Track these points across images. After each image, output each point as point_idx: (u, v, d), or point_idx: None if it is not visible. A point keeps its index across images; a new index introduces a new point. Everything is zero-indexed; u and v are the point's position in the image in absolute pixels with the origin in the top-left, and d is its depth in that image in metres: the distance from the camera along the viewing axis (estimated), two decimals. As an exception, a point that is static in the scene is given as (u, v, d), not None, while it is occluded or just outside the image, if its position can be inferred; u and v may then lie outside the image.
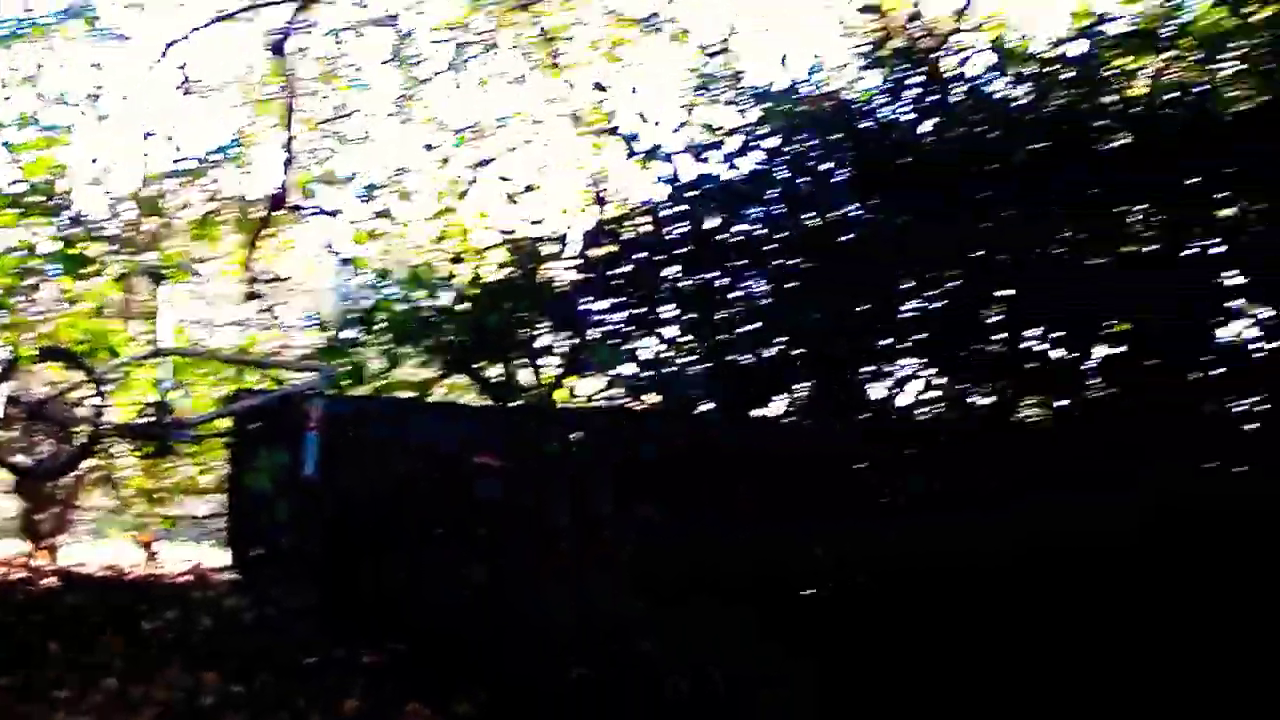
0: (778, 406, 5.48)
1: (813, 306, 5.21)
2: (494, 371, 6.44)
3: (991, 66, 5.62)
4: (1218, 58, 5.84)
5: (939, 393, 5.32)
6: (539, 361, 6.23)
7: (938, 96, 5.34)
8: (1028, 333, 5.26)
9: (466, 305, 6.44)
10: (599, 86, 7.04)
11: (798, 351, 5.42)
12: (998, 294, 5.20)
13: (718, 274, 5.49)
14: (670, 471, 5.18)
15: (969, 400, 5.26)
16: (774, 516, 4.89)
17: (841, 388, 5.23)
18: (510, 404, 6.26)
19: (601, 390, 5.93)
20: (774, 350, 5.45)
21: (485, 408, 6.51)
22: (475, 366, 6.49)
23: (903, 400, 5.22)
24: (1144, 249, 5.41)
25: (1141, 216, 5.44)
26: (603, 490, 5.33)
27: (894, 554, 4.62)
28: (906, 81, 5.42)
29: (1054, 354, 5.25)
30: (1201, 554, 4.46)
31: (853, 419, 5.14)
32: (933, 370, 5.32)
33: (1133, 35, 6.00)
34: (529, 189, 6.89)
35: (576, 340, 6.00)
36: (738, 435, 5.29)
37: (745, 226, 5.55)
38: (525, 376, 6.29)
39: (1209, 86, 5.55)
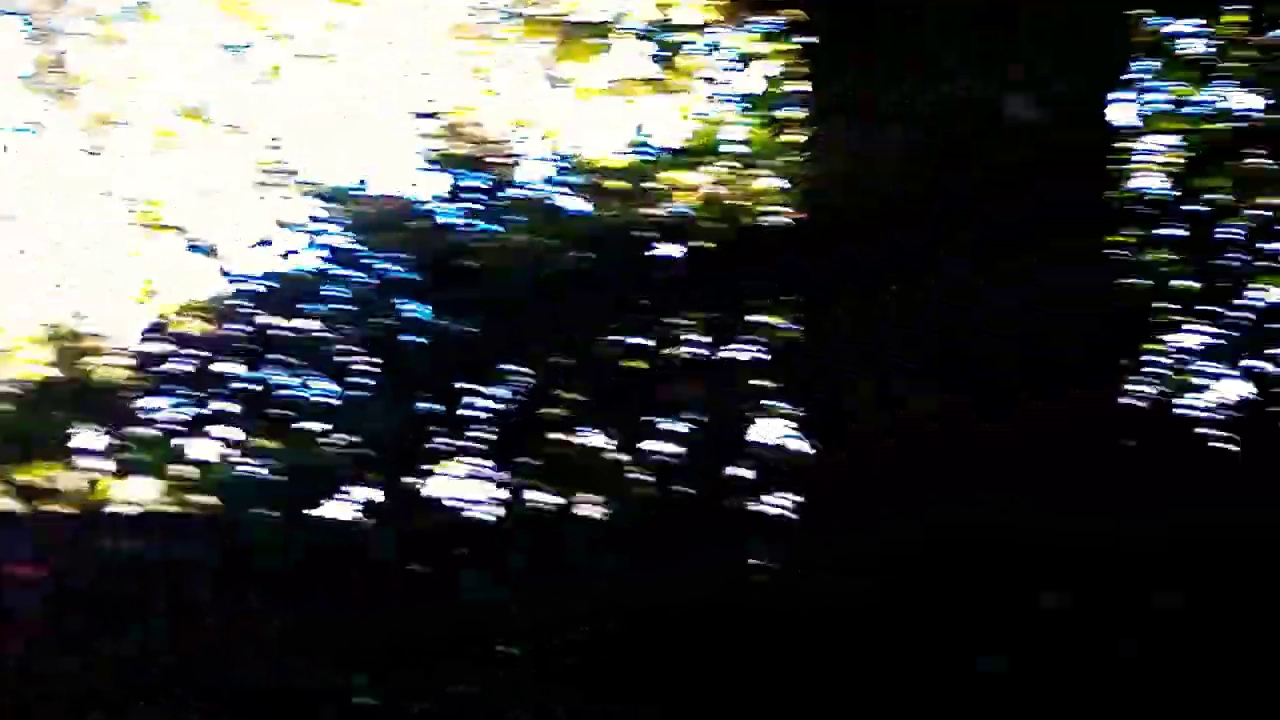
0: (345, 507, 5.44)
1: (377, 406, 5.22)
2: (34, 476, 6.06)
3: (550, 177, 5.87)
4: (760, 173, 6.38)
5: (501, 492, 5.43)
6: (86, 464, 5.92)
7: (498, 202, 5.52)
8: (585, 430, 5.47)
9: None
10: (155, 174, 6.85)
11: (363, 451, 5.40)
12: (556, 394, 5.38)
13: (280, 372, 5.42)
14: (225, 576, 5.06)
15: (528, 498, 5.40)
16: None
17: (404, 488, 5.26)
18: (50, 509, 5.90)
19: (156, 494, 5.69)
20: (339, 450, 5.42)
21: (13, 514, 6.11)
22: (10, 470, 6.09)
23: (465, 499, 5.30)
24: (690, 353, 5.78)
25: (688, 322, 5.82)
26: (153, 599, 5.13)
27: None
28: (468, 186, 5.57)
29: (609, 452, 5.48)
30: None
31: (412, 518, 5.18)
32: (495, 469, 5.43)
33: (682, 152, 6.46)
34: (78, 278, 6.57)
35: (127, 441, 5.75)
36: (290, 536, 5.23)
37: (307, 324, 5.52)
38: (70, 480, 5.96)
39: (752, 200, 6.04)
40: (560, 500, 5.43)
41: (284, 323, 5.40)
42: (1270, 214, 7.05)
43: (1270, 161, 7.21)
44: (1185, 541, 4.67)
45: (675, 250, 5.74)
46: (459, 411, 5.27)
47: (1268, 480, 5.05)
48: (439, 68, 7.11)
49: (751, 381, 5.68)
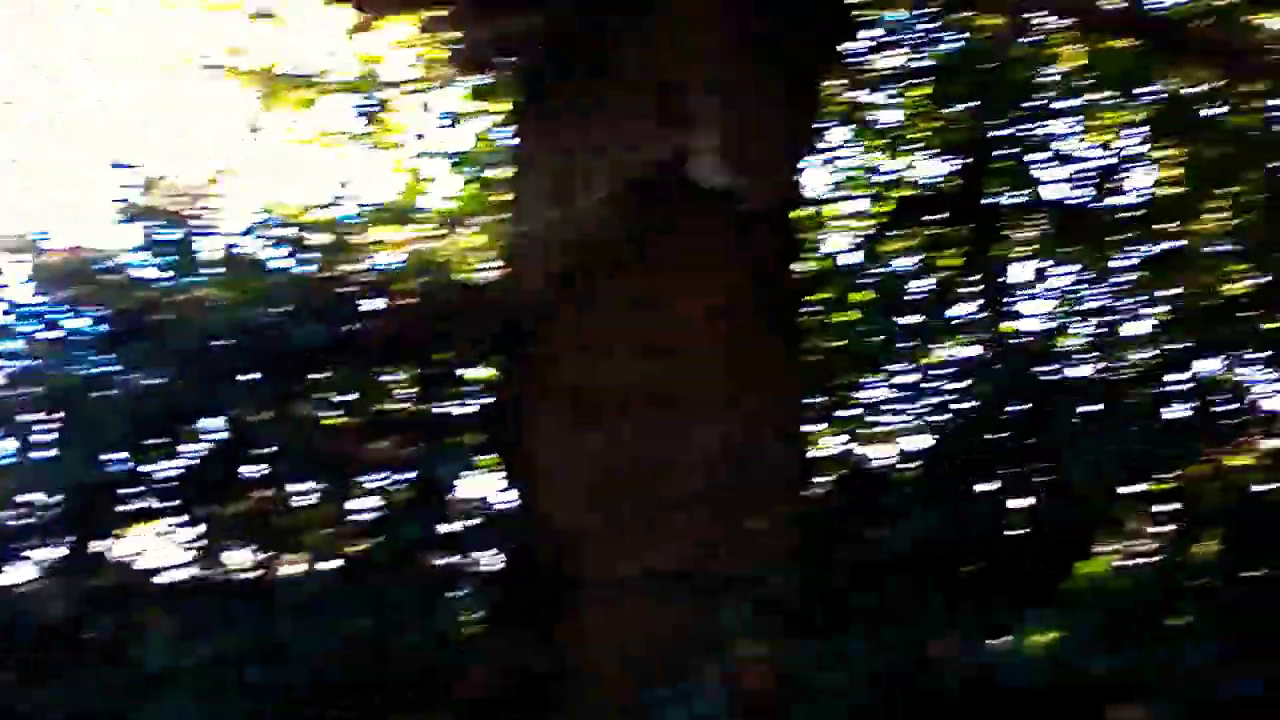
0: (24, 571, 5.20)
1: (61, 465, 5.01)
2: None
3: (250, 229, 5.77)
4: (465, 230, 6.42)
5: (196, 550, 5.29)
6: None
7: (194, 254, 5.41)
8: (285, 488, 5.38)
9: None
10: None
11: (46, 512, 5.18)
12: (253, 452, 5.27)
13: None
14: None
15: (224, 558, 5.27)
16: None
17: (89, 549, 5.06)
18: None
19: None
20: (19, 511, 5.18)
21: None
22: None
23: (154, 559, 5.15)
24: (396, 408, 5.76)
25: (394, 377, 5.80)
26: None
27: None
28: (161, 237, 5.44)
29: (311, 510, 5.40)
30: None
31: (95, 580, 4.98)
32: (189, 527, 5.28)
33: (388, 208, 6.45)
34: None
35: None
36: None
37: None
38: None
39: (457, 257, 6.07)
40: (259, 558, 5.32)
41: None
42: (950, 275, 7.50)
43: (952, 226, 7.67)
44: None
45: (379, 305, 5.71)
46: (149, 470, 5.11)
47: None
48: (138, 114, 6.94)
49: (459, 438, 5.71)
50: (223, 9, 6.80)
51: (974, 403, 6.37)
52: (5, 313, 5.20)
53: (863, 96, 8.08)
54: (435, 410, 5.75)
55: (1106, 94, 7.43)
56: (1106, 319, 7.00)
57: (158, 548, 5.21)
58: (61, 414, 4.99)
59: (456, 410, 5.76)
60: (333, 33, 6.54)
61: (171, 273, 5.39)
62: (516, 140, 5.99)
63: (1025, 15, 6.44)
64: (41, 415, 5.06)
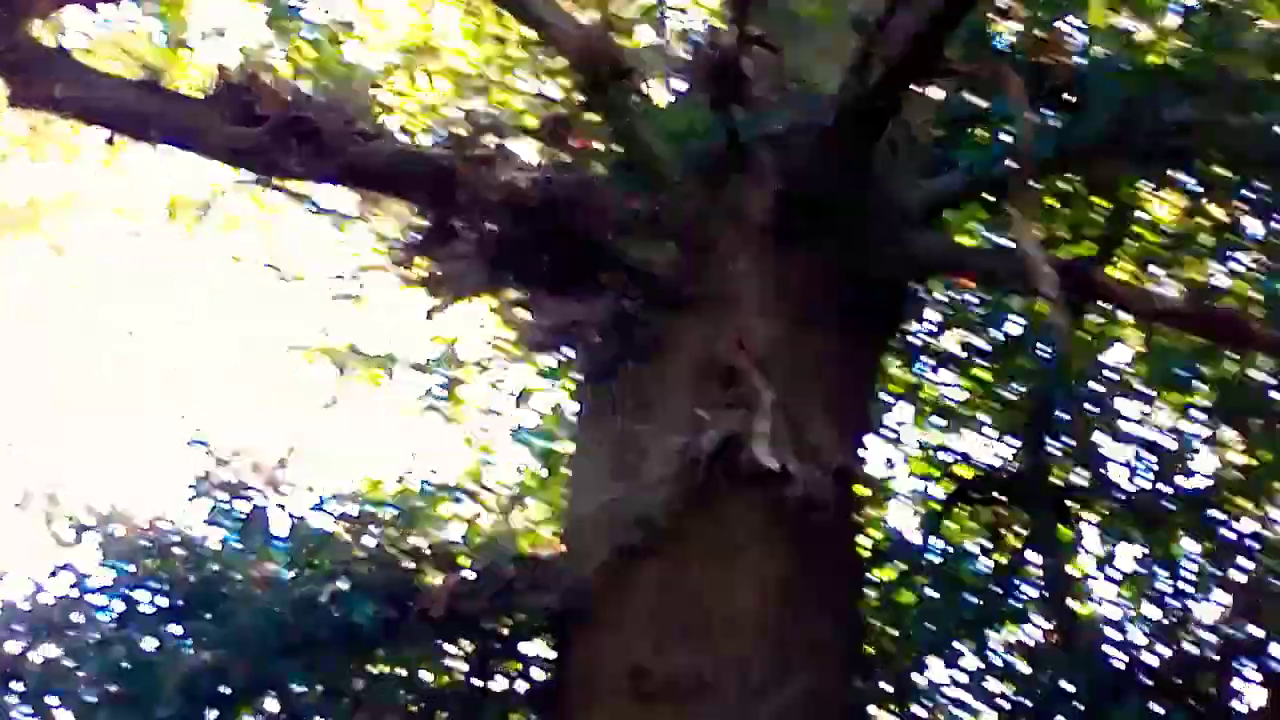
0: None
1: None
2: None
3: (319, 503, 5.92)
4: (529, 506, 6.54)
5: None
6: None
7: (259, 528, 5.55)
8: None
9: None
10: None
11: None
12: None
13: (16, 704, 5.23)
14: None
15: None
16: None
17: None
18: None
19: None
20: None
21: None
22: None
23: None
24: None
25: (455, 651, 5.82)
26: None
27: None
28: (231, 510, 5.60)
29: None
30: None
31: None
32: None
33: (451, 485, 6.60)
34: None
35: None
36: None
37: (57, 652, 5.37)
38: None
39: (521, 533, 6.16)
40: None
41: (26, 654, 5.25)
42: (1013, 558, 7.46)
43: (1014, 508, 7.67)
44: None
45: (440, 580, 5.78)
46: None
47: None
48: (216, 386, 7.23)
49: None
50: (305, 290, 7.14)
51: (1039, 689, 6.27)
52: (73, 585, 5.33)
53: (925, 375, 8.23)
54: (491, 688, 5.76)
55: (1169, 378, 7.50)
56: (1175, 605, 6.91)
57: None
58: (119, 688, 5.06)
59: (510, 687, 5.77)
60: (409, 313, 6.83)
61: (239, 547, 5.52)
62: (578, 419, 6.15)
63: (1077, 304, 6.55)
64: (102, 689, 5.13)
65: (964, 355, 8.10)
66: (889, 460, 7.95)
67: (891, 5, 4.97)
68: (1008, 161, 5.53)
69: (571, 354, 6.34)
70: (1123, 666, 6.25)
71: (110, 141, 4.86)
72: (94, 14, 4.73)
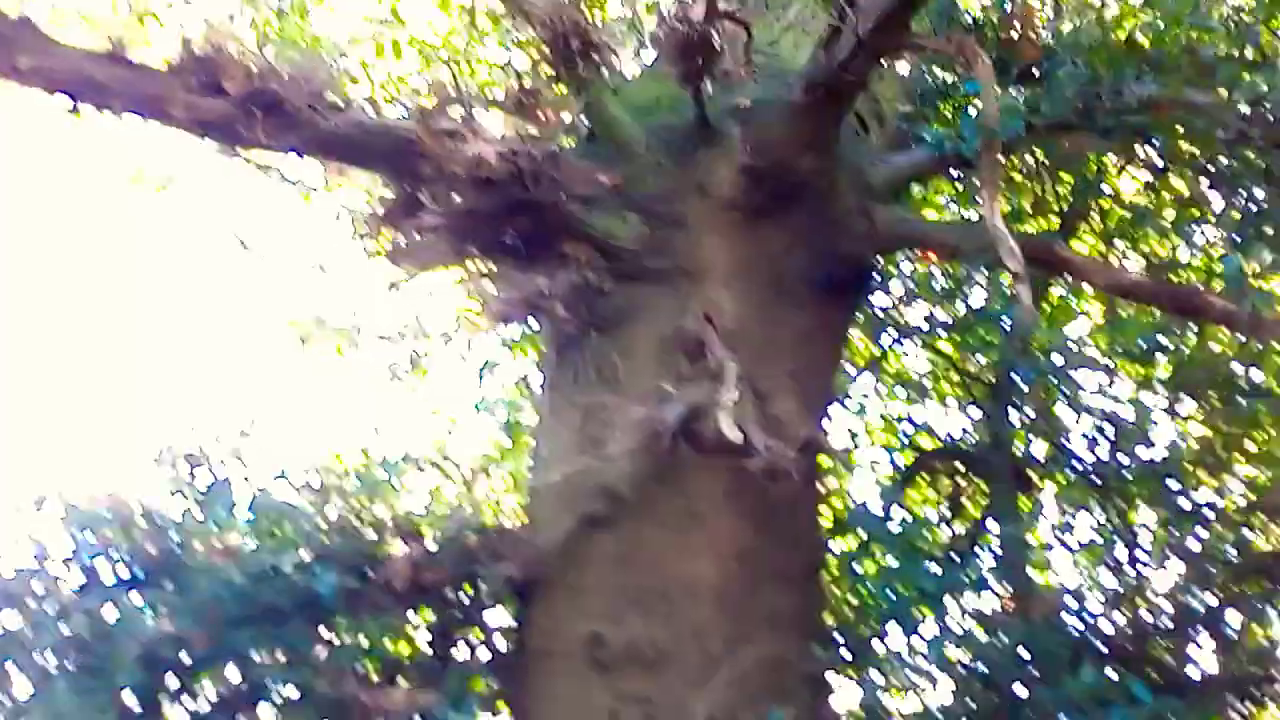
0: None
1: (76, 709, 5.04)
2: None
3: (279, 474, 5.90)
4: (488, 479, 6.52)
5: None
6: None
7: (221, 499, 5.53)
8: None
9: None
10: None
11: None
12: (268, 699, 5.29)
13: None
14: None
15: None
16: None
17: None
18: None
19: None
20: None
21: None
22: None
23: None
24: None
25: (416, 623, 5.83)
26: None
27: None
28: (192, 482, 5.58)
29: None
30: None
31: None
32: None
33: (414, 456, 6.57)
34: None
35: None
36: None
37: (18, 622, 5.34)
38: None
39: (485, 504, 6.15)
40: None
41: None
42: (973, 527, 7.53)
43: (974, 478, 7.74)
44: None
45: (402, 550, 5.78)
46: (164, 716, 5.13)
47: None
48: (177, 360, 7.18)
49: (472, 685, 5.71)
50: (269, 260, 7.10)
51: (996, 656, 6.31)
52: (33, 555, 5.30)
53: (889, 347, 8.27)
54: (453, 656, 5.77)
55: (1130, 350, 7.57)
56: (1131, 573, 6.99)
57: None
58: (79, 658, 5.04)
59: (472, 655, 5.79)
60: (371, 284, 6.81)
61: (201, 518, 5.49)
62: (543, 391, 6.15)
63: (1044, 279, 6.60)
64: (60, 659, 5.11)
65: (927, 328, 8.15)
66: (851, 431, 8.00)
67: (861, -20, 4.98)
68: (974, 138, 5.54)
69: (537, 326, 6.33)
70: (1079, 634, 6.30)
71: (74, 111, 4.80)
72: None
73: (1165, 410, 7.74)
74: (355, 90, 5.72)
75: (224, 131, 5.00)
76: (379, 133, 5.36)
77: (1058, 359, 7.72)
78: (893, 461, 7.95)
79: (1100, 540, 7.35)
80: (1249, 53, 6.00)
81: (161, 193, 6.72)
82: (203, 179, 6.88)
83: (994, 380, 7.81)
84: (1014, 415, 7.75)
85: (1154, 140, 6.40)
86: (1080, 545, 7.36)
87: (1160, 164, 6.83)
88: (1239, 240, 6.64)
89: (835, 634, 6.45)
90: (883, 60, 5.40)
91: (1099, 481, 7.46)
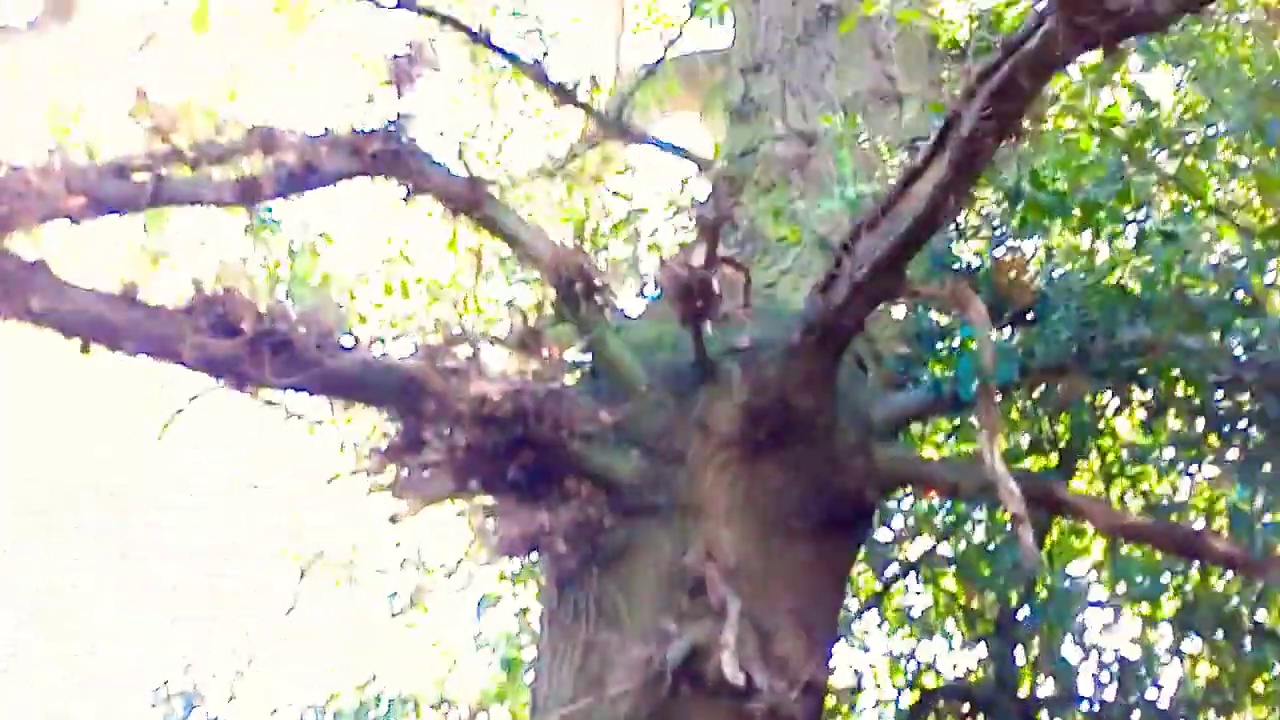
0: None
1: None
2: None
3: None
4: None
5: None
6: None
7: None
8: None
9: None
10: None
11: None
12: None
13: None
14: None
15: None
16: None
17: None
18: None
19: None
20: None
21: None
22: None
23: None
24: None
25: None
26: None
27: None
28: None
29: None
30: None
31: None
32: None
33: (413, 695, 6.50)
34: None
35: None
36: None
37: None
38: None
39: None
40: None
41: None
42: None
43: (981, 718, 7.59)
44: None
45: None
46: None
47: None
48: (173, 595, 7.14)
49: None
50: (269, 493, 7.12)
51: None
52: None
53: (891, 583, 8.21)
54: None
55: (1133, 589, 7.52)
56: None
57: None
58: None
59: None
60: (373, 517, 6.81)
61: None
62: (543, 627, 6.10)
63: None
64: None
65: (929, 564, 8.10)
66: (855, 670, 7.89)
67: (857, 229, 5.13)
68: (971, 381, 5.64)
69: (537, 560, 6.32)
70: None
71: (85, 351, 4.89)
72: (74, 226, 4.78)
73: (1170, 650, 7.65)
74: (363, 328, 5.83)
75: (233, 371, 5.08)
76: (386, 371, 5.44)
77: (1060, 596, 7.66)
78: (897, 701, 7.82)
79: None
80: (1240, 296, 6.13)
81: (169, 424, 6.79)
82: (209, 411, 6.97)
83: (998, 617, 7.73)
84: (1019, 653, 7.64)
85: (1148, 382, 6.49)
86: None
87: (1156, 405, 6.90)
88: (1239, 479, 6.67)
89: None
90: (879, 304, 5.52)
91: (1111, 722, 7.32)
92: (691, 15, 9.01)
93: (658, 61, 8.27)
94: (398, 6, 6.85)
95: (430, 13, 6.84)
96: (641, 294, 6.37)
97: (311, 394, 5.39)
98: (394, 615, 7.19)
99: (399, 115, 5.38)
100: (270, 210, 5.93)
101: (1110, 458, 7.52)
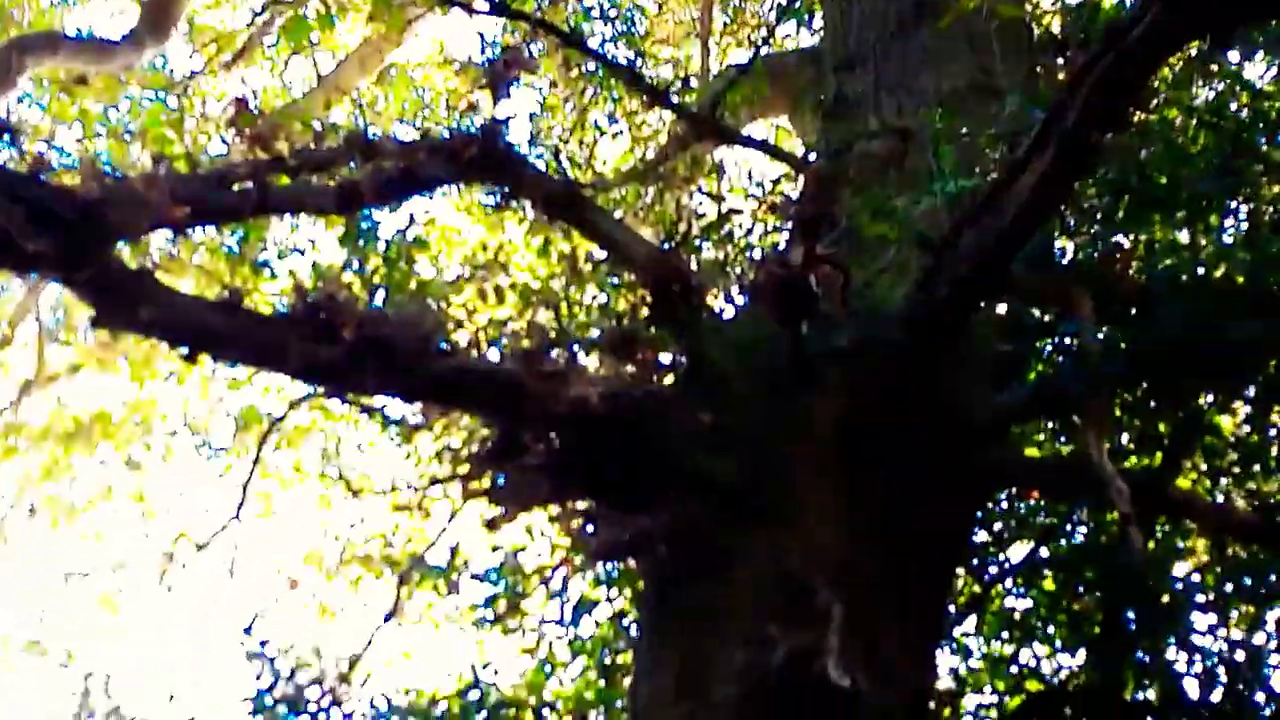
0: None
1: None
2: None
3: (380, 711, 5.85)
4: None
5: None
6: None
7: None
8: None
9: None
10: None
11: None
12: None
13: None
14: None
15: None
16: None
17: None
18: None
19: None
20: None
21: None
22: None
23: None
24: None
25: None
26: None
27: None
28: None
29: None
30: None
31: None
32: None
33: (512, 696, 6.50)
34: None
35: None
36: None
37: None
38: None
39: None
40: None
41: None
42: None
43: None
44: None
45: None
46: None
47: None
48: (279, 599, 7.22)
49: None
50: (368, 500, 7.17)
51: None
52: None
53: (991, 586, 8.08)
54: None
55: (1240, 589, 7.35)
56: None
57: None
58: None
59: None
60: (470, 522, 6.84)
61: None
62: (642, 632, 6.07)
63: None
64: None
65: (1030, 566, 7.97)
66: (956, 674, 7.77)
67: (958, 225, 5.05)
68: (1077, 378, 5.53)
69: (634, 564, 6.29)
70: None
71: (189, 359, 4.95)
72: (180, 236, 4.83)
73: (1278, 652, 7.45)
74: (459, 333, 5.84)
75: (335, 377, 5.11)
76: (483, 376, 5.44)
77: (1166, 598, 7.51)
78: (1000, 705, 7.70)
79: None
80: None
81: (267, 434, 6.88)
82: (304, 419, 7.07)
83: (1102, 621, 7.59)
84: (1124, 657, 7.49)
85: (1253, 378, 6.33)
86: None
87: (1263, 401, 6.74)
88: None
89: None
90: (982, 301, 5.44)
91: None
92: (782, 17, 8.97)
93: (749, 62, 8.22)
94: (490, 12, 6.88)
95: (523, 16, 6.85)
96: (733, 296, 6.32)
97: (409, 400, 5.41)
98: (491, 620, 7.21)
99: (495, 120, 5.38)
100: (368, 216, 5.97)
101: (1218, 456, 7.34)
